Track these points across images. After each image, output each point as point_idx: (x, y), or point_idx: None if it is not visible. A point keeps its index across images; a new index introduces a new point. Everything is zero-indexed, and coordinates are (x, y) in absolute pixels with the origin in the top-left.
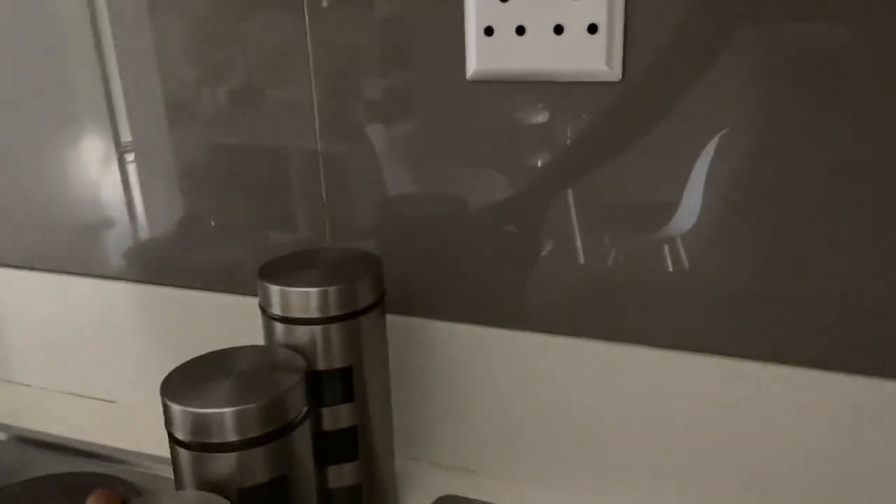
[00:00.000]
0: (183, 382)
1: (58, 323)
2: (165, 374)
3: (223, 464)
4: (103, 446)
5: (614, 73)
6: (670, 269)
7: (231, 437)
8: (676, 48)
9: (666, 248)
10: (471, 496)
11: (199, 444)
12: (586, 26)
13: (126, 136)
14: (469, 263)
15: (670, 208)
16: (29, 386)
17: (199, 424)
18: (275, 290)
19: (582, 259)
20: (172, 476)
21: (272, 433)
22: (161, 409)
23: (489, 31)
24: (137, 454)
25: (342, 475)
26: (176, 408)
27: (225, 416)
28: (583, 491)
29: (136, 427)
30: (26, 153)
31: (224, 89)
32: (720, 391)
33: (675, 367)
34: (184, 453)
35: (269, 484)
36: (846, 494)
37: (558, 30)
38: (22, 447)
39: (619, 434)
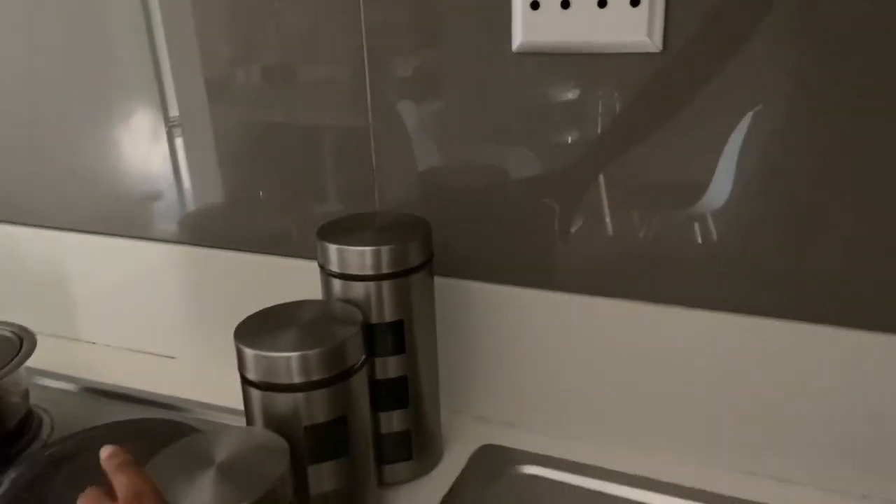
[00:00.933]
0: (254, 330)
1: (121, 284)
2: (221, 331)
3: (289, 403)
4: (166, 396)
5: (655, 44)
6: (700, 241)
7: (297, 378)
8: (715, 20)
9: (696, 226)
10: (510, 446)
11: (268, 384)
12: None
13: (174, 111)
14: (508, 230)
15: (702, 186)
16: (95, 343)
17: (269, 367)
18: (333, 248)
19: (611, 231)
20: (231, 423)
21: (334, 377)
22: (217, 363)
23: (535, 6)
24: (198, 403)
25: (392, 421)
26: (248, 352)
27: (292, 359)
28: (615, 443)
29: (194, 380)
30: (86, 127)
31: (272, 66)
32: (746, 347)
33: (703, 324)
34: (255, 392)
35: (330, 423)
36: (865, 440)
37: (602, 3)
38: (91, 397)
39: (649, 388)
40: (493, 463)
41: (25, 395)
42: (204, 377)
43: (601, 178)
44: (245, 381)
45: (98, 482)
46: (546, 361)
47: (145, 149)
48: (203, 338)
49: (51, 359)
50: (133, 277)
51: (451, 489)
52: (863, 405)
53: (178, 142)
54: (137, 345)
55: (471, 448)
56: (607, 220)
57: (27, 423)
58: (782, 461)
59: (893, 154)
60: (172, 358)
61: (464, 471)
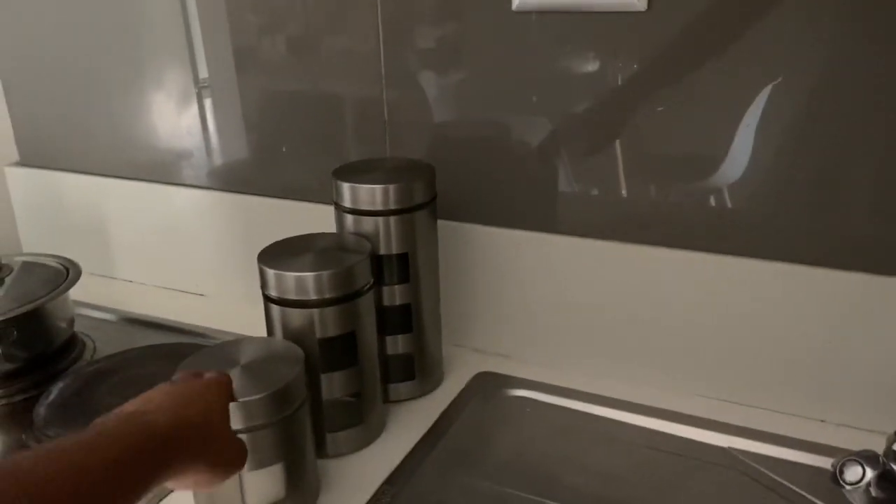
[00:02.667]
0: (275, 254)
1: (155, 226)
2: (247, 271)
3: (304, 317)
4: (196, 326)
5: (641, 3)
6: (713, 207)
7: (311, 296)
8: None
9: (712, 199)
10: (505, 373)
11: (286, 300)
12: None
13: (204, 74)
14: (512, 183)
15: (717, 159)
16: (131, 282)
17: (287, 285)
18: (346, 186)
19: (621, 191)
20: None
21: (344, 296)
22: (243, 300)
23: None
24: (225, 332)
25: (397, 344)
26: (270, 272)
27: (307, 279)
28: (598, 374)
29: (221, 314)
30: (124, 86)
31: (291, 36)
32: (720, 287)
33: (688, 265)
34: (274, 308)
35: (341, 337)
36: (826, 374)
37: None
38: (129, 326)
39: (634, 325)
40: (487, 386)
41: (71, 321)
42: (230, 312)
43: (606, 139)
44: (267, 298)
45: (135, 394)
46: (541, 300)
47: (177, 106)
48: (230, 277)
49: (92, 293)
50: (166, 220)
51: (449, 407)
52: (822, 341)
53: (207, 102)
54: (170, 283)
55: (469, 374)
56: (618, 180)
57: (72, 345)
58: (752, 390)
59: None
60: (202, 295)
61: (461, 392)
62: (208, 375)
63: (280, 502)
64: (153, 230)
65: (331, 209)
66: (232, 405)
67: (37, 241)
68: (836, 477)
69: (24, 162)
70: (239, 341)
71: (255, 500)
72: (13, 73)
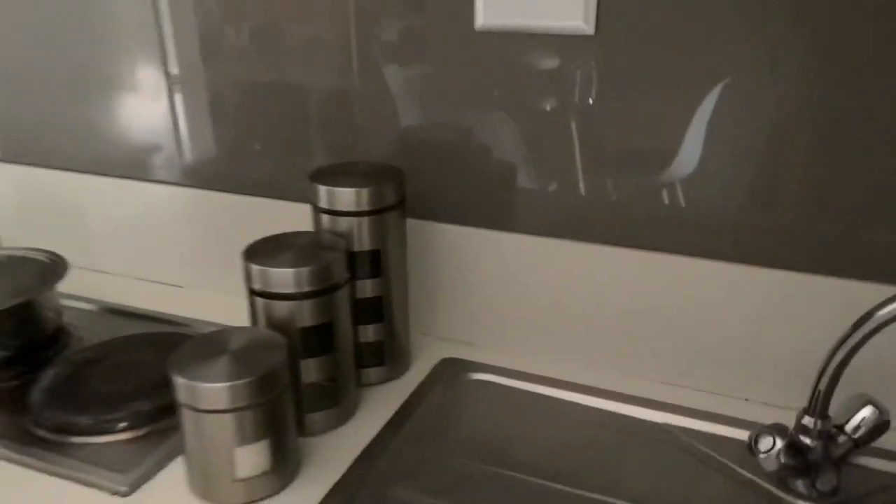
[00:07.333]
0: (258, 252)
1: (134, 221)
2: (222, 264)
3: (286, 309)
4: (176, 315)
5: (589, 28)
6: (667, 203)
7: (293, 289)
8: (649, 8)
9: (665, 193)
10: (467, 359)
11: (269, 293)
12: None
13: (174, 70)
14: (475, 182)
15: (670, 155)
16: (110, 273)
17: (270, 280)
18: (323, 190)
19: (583, 192)
20: None
21: (322, 290)
22: (219, 291)
23: None
24: (203, 321)
25: (369, 333)
26: (255, 267)
27: (288, 274)
28: (551, 359)
29: (198, 304)
30: (100, 84)
31: (262, 26)
32: (666, 283)
33: (632, 262)
34: (258, 300)
35: (319, 326)
36: (750, 358)
37: None
38: (111, 316)
39: (590, 318)
40: (451, 371)
41: (58, 311)
42: (207, 302)
43: (571, 143)
44: (251, 292)
45: (124, 380)
46: (500, 293)
47: (150, 103)
48: (205, 270)
49: (74, 285)
50: (141, 215)
51: (417, 389)
52: (747, 331)
53: (178, 98)
54: (148, 275)
55: (434, 360)
56: (578, 181)
57: (60, 334)
58: (687, 373)
59: (856, 125)
60: (180, 287)
61: (427, 377)
62: None
63: (266, 473)
64: (129, 224)
65: (300, 206)
66: (223, 387)
67: (14, 235)
68: (750, 446)
69: (5, 158)
70: (226, 331)
71: (245, 472)
72: None
